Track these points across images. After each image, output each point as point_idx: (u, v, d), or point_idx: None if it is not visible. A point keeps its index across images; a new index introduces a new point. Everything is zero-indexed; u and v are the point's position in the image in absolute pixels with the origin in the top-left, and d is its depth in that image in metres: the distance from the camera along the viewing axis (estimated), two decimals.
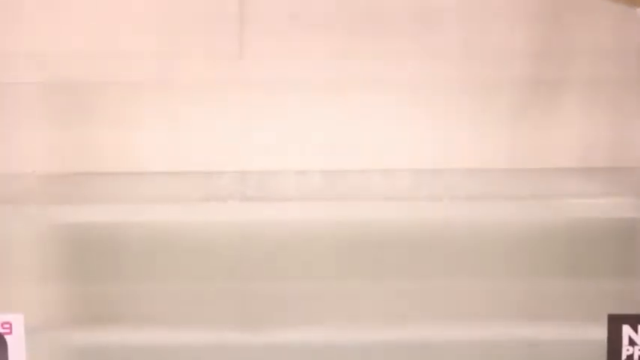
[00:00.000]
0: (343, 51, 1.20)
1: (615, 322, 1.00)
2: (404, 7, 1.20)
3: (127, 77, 1.17)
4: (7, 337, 1.03)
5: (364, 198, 1.10)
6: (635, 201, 1.06)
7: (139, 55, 1.19)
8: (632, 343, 1.00)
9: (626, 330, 1.00)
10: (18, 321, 1.03)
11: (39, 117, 1.19)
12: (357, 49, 1.19)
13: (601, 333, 1.01)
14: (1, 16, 1.21)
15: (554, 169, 1.14)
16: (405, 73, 1.22)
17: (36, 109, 1.19)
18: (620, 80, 1.10)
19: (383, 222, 1.13)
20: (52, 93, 1.18)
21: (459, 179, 1.15)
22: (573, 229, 1.12)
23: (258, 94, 1.14)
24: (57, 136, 1.19)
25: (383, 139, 1.18)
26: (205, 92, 1.15)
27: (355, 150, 1.17)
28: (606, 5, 1.20)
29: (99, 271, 1.18)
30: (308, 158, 1.17)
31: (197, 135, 1.18)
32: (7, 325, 1.03)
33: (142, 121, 1.19)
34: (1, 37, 1.21)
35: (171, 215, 1.10)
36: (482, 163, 1.18)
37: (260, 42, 1.22)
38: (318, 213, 1.09)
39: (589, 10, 1.21)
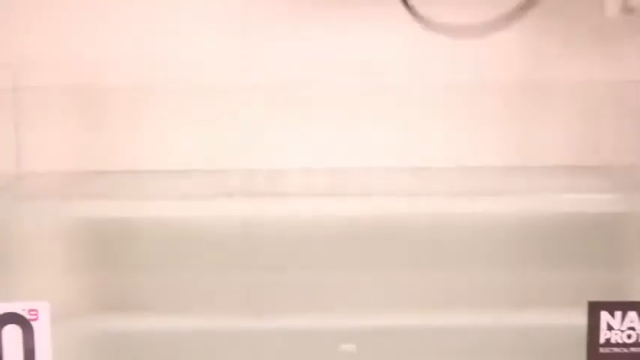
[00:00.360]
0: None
1: (594, 309, 1.02)
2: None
3: (141, 82, 1.19)
4: (34, 323, 1.04)
5: (363, 194, 1.11)
6: (615, 197, 1.08)
7: (151, 61, 1.20)
8: (609, 328, 1.02)
9: (605, 316, 1.02)
10: (44, 308, 1.04)
11: (63, 119, 1.20)
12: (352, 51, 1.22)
13: (582, 319, 1.02)
14: (27, 25, 1.23)
15: (541, 167, 1.15)
16: (403, 75, 1.22)
17: (60, 111, 1.20)
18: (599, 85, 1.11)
19: (381, 217, 1.14)
20: (73, 97, 1.20)
21: (453, 177, 1.16)
22: (558, 223, 1.13)
23: (264, 98, 1.15)
24: (79, 137, 1.21)
25: (381, 138, 1.18)
26: (214, 96, 1.16)
27: (355, 149, 1.18)
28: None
29: (117, 262, 1.20)
30: (310, 157, 1.18)
31: (206, 135, 1.20)
32: (34, 312, 1.04)
33: (155, 123, 1.21)
34: (27, 45, 1.22)
35: (182, 210, 1.13)
36: (475, 162, 1.18)
37: (264, 45, 1.23)
38: (318, 208, 1.12)
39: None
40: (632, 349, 1.03)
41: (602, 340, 1.03)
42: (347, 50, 1.24)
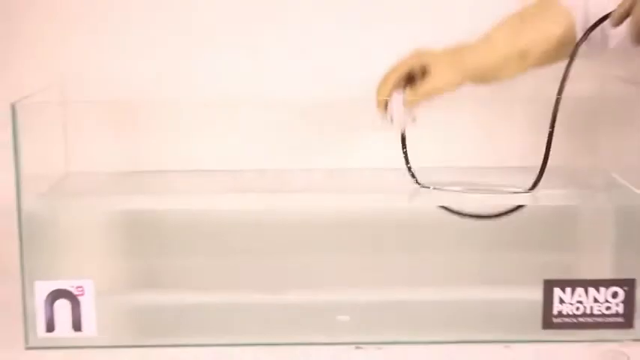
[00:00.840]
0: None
1: (549, 286, 1.10)
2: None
3: (168, 97, 1.26)
4: (80, 298, 1.11)
5: (357, 191, 1.18)
6: (567, 192, 1.15)
7: (177, 79, 1.29)
8: (561, 301, 1.10)
9: (557, 292, 1.10)
10: (89, 285, 1.11)
11: (104, 128, 1.27)
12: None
13: (538, 294, 1.10)
14: (73, 49, 1.31)
15: (506, 167, 1.22)
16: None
17: (102, 121, 1.27)
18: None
19: (372, 209, 1.18)
20: (112, 109, 1.27)
21: (431, 174, 1.19)
22: (520, 215, 1.16)
23: (273, 109, 1.21)
24: (117, 143, 1.28)
25: (371, 142, 1.25)
26: (229, 108, 1.20)
27: (350, 152, 1.25)
28: None
29: (149, 247, 1.23)
30: (312, 159, 1.24)
31: (223, 141, 1.26)
32: (81, 289, 1.11)
33: (181, 131, 1.26)
34: (74, 66, 1.30)
35: (203, 204, 1.19)
36: (449, 162, 1.24)
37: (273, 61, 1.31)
38: (319, 202, 1.17)
39: None
40: (580, 320, 1.10)
41: (555, 312, 1.11)
42: (346, 65, 1.30)
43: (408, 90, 1.10)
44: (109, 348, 1.10)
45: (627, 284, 1.10)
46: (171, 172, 1.27)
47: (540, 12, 1.14)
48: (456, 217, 1.14)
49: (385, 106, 1.10)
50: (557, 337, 1.11)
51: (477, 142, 1.26)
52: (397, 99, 1.09)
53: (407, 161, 1.16)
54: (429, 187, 1.15)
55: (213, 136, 1.25)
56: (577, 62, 1.16)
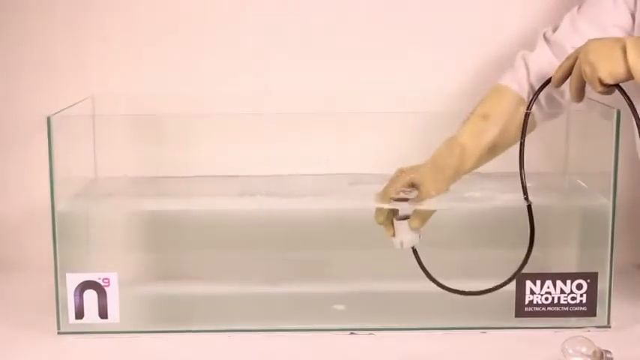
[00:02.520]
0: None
1: (521, 279, 1.11)
2: None
3: (187, 111, 1.26)
4: (107, 289, 1.11)
5: (352, 195, 1.19)
6: (538, 195, 1.12)
7: (194, 95, 1.30)
8: (532, 292, 1.11)
9: (528, 284, 1.11)
10: (113, 277, 1.11)
11: (131, 138, 1.27)
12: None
13: (512, 286, 1.11)
14: (103, 67, 1.34)
15: (486, 173, 1.18)
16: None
17: (128, 132, 1.27)
18: None
19: (361, 209, 1.16)
20: (138, 121, 1.27)
21: None
22: (496, 214, 1.17)
23: (279, 121, 1.21)
24: (141, 152, 1.28)
25: (365, 152, 1.25)
26: (241, 121, 1.20)
27: (347, 160, 1.24)
28: None
29: (169, 243, 1.23)
30: (313, 166, 1.21)
31: (236, 150, 1.26)
32: (107, 280, 1.11)
33: (199, 141, 1.27)
34: (104, 82, 1.33)
35: (217, 205, 1.19)
36: None
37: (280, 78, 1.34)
38: (320, 204, 1.18)
39: None
40: (549, 309, 1.11)
41: (526, 302, 1.11)
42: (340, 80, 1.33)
43: (411, 217, 1.08)
44: (131, 333, 1.11)
45: (590, 277, 1.11)
46: (187, 177, 1.27)
47: (497, 105, 1.14)
48: (441, 219, 1.13)
49: (391, 229, 1.09)
50: (528, 324, 1.11)
51: None
52: (400, 224, 1.08)
53: (423, 269, 1.11)
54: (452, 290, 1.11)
55: (224, 146, 1.26)
56: None
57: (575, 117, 1.23)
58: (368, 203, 1.10)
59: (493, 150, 1.13)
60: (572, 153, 1.26)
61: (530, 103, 1.12)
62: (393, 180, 1.10)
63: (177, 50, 1.33)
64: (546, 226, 1.13)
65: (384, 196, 1.09)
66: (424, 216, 1.09)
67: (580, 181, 1.21)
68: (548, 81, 1.11)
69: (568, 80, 1.08)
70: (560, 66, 1.08)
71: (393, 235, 1.09)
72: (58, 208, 1.09)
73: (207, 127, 1.24)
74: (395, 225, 1.09)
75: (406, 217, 1.09)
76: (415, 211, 1.09)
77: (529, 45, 1.19)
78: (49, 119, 1.08)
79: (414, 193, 1.10)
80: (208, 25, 1.34)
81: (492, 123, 1.12)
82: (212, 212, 1.19)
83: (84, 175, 1.25)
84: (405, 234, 1.09)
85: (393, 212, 1.10)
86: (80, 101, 1.23)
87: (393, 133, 1.25)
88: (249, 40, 1.33)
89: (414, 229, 1.09)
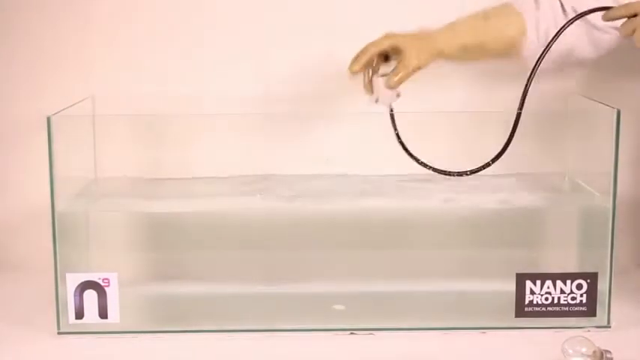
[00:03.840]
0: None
1: (521, 279, 1.11)
2: None
3: (187, 112, 1.26)
4: (106, 289, 1.11)
5: (353, 195, 1.19)
6: (535, 196, 1.16)
7: (194, 97, 1.29)
8: (532, 292, 1.11)
9: (528, 284, 1.11)
10: (113, 278, 1.11)
11: (130, 139, 1.27)
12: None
13: (512, 286, 1.11)
14: (103, 68, 1.33)
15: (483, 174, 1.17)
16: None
17: (128, 133, 1.27)
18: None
19: (366, 210, 1.18)
20: (138, 122, 1.27)
21: (421, 183, 1.21)
22: (495, 215, 1.16)
23: (278, 124, 1.23)
24: (141, 152, 1.28)
25: (366, 153, 1.25)
26: (240, 123, 1.22)
27: (344, 159, 1.25)
28: None
29: (168, 244, 1.23)
30: (313, 167, 1.23)
31: (236, 152, 1.26)
32: (107, 280, 1.11)
33: (198, 142, 1.27)
34: (104, 83, 1.32)
35: (216, 206, 1.19)
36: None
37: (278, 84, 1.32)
38: (320, 204, 1.18)
39: None
40: (549, 308, 1.11)
41: (526, 302, 1.11)
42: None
43: (390, 73, 1.09)
44: (131, 333, 1.11)
45: (590, 277, 1.11)
46: (187, 178, 1.27)
47: (502, 15, 1.16)
48: (441, 219, 1.14)
49: (369, 88, 1.10)
50: (528, 324, 1.11)
51: (454, 152, 1.25)
52: (379, 80, 1.09)
53: (399, 139, 1.13)
54: (427, 166, 1.13)
55: (224, 146, 1.26)
56: (546, 81, 1.19)
57: (575, 117, 1.23)
58: (369, 203, 1.10)
59: (482, 48, 1.14)
60: (572, 153, 1.26)
61: (553, 38, 1.09)
62: (378, 40, 1.10)
63: (177, 50, 1.33)
64: (546, 226, 1.14)
65: (365, 50, 1.09)
66: (403, 76, 1.08)
67: (580, 181, 1.21)
68: (598, 9, 1.09)
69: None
70: (626, 5, 1.06)
71: (371, 91, 1.09)
72: (58, 208, 1.09)
73: (207, 127, 1.24)
74: (373, 81, 1.09)
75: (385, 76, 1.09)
76: (395, 69, 1.08)
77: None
78: (49, 119, 1.08)
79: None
80: (208, 25, 1.34)
81: (492, 25, 1.15)
82: (212, 212, 1.19)
83: (84, 175, 1.25)
84: (382, 91, 1.09)
85: (373, 71, 1.10)
86: (80, 101, 1.22)
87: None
88: (249, 40, 1.33)
89: (392, 88, 1.08)
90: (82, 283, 1.11)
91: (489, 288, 1.16)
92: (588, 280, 1.10)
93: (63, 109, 1.13)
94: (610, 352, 0.98)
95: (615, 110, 1.07)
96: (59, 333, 1.11)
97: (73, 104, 1.19)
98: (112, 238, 1.21)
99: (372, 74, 1.10)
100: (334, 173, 1.23)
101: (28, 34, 1.34)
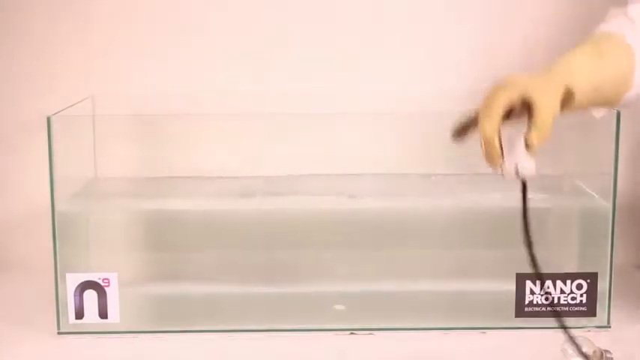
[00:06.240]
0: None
1: (521, 279, 1.11)
2: None
3: (187, 111, 1.26)
4: (107, 289, 1.11)
5: (350, 194, 1.19)
6: (537, 196, 1.10)
7: (194, 95, 1.29)
8: (532, 292, 1.11)
9: (528, 284, 1.11)
10: (113, 278, 1.11)
11: (130, 138, 1.27)
12: None
13: (511, 286, 1.11)
14: (103, 67, 1.33)
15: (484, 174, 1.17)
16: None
17: (128, 132, 1.27)
18: None
19: (362, 211, 1.18)
20: (137, 121, 1.27)
21: (414, 181, 1.23)
22: (496, 215, 1.15)
23: (277, 122, 1.21)
24: (141, 152, 1.27)
25: (362, 151, 1.25)
26: (241, 122, 1.22)
27: (343, 159, 1.24)
28: None
29: (168, 244, 1.22)
30: (310, 166, 1.23)
31: (235, 151, 1.26)
32: (107, 280, 1.11)
33: (198, 141, 1.27)
34: (103, 82, 1.32)
35: (216, 206, 1.19)
36: (439, 170, 1.25)
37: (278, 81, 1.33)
38: (317, 204, 1.18)
39: None
40: (549, 309, 1.10)
41: (526, 302, 1.11)
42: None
43: (528, 131, 0.82)
44: (131, 333, 1.11)
45: (590, 277, 1.11)
46: (187, 177, 1.27)
47: (615, 49, 0.94)
48: (437, 219, 1.12)
49: (498, 154, 0.82)
50: (528, 324, 1.11)
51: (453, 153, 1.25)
52: (514, 142, 0.81)
53: (525, 218, 0.88)
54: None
55: (224, 146, 1.26)
56: None
57: (575, 117, 1.19)
58: (367, 204, 1.10)
59: (596, 95, 0.89)
60: (572, 153, 1.25)
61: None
62: (502, 89, 0.81)
63: (177, 50, 1.33)
64: (547, 226, 1.13)
65: (492, 104, 0.79)
66: (544, 131, 0.81)
67: (580, 182, 1.21)
68: None
69: None
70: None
71: (500, 157, 0.80)
72: (58, 208, 1.09)
73: (207, 127, 1.24)
74: (506, 144, 0.80)
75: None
76: (532, 125, 0.80)
77: (530, 43, 1.18)
78: (49, 119, 1.08)
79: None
80: (208, 25, 1.34)
81: (607, 62, 0.90)
82: (212, 212, 1.19)
83: (84, 175, 1.25)
84: (522, 155, 0.80)
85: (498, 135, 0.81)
86: (80, 101, 1.22)
87: (392, 133, 1.25)
88: (249, 40, 1.33)
89: (534, 149, 0.80)
90: (82, 283, 1.10)
91: (489, 288, 1.15)
92: (588, 280, 1.10)
93: (63, 109, 1.13)
94: (610, 352, 0.98)
95: (615, 110, 1.06)
96: (59, 333, 1.11)
97: (73, 104, 1.18)
98: (112, 238, 1.20)
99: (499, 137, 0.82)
100: (334, 173, 1.23)
101: (28, 34, 1.34)
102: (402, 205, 1.18)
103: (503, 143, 0.81)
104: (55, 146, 1.08)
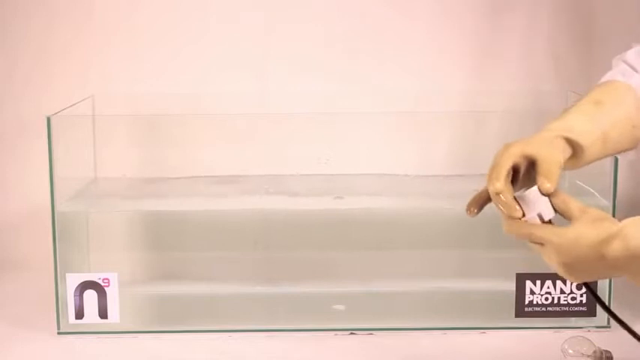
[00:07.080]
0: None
1: (521, 279, 1.11)
2: None
3: (187, 111, 1.27)
4: (106, 289, 1.11)
5: (347, 194, 1.19)
6: None
7: (195, 97, 1.29)
8: (532, 292, 1.11)
9: (528, 284, 1.11)
10: (113, 278, 1.11)
11: (130, 138, 1.27)
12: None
13: (512, 286, 1.11)
14: (103, 68, 1.33)
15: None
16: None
17: (127, 133, 1.27)
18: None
19: (360, 210, 1.18)
20: (137, 122, 1.27)
21: (416, 181, 1.22)
22: (496, 215, 1.10)
23: (276, 127, 1.23)
24: (140, 152, 1.28)
25: (363, 153, 1.25)
26: (241, 122, 1.22)
27: (341, 161, 1.23)
28: None
29: (168, 243, 1.23)
30: (308, 167, 1.23)
31: (235, 152, 1.25)
32: (107, 280, 1.11)
33: (198, 141, 1.26)
34: (104, 83, 1.32)
35: (216, 205, 1.19)
36: (433, 171, 1.25)
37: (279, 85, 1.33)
38: (315, 204, 1.18)
39: None
40: (549, 308, 1.11)
41: (526, 302, 1.11)
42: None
43: (538, 179, 0.84)
44: (131, 333, 1.11)
45: None
46: (187, 177, 1.27)
47: (611, 93, 0.93)
48: (438, 220, 1.13)
49: (514, 207, 0.84)
50: (528, 324, 1.11)
51: (456, 153, 1.26)
52: (531, 193, 0.83)
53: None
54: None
55: (224, 146, 1.25)
56: (546, 80, 1.17)
57: None
58: (369, 203, 1.09)
59: (605, 140, 0.90)
60: None
61: None
62: (506, 151, 0.84)
63: (177, 50, 1.33)
64: None
65: (498, 164, 0.83)
66: (551, 178, 0.83)
67: (580, 182, 1.20)
68: None
69: None
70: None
71: (518, 210, 0.83)
72: (58, 208, 1.09)
73: (207, 127, 1.24)
74: (522, 197, 0.84)
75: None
76: (541, 174, 0.83)
77: (528, 43, 1.18)
78: (49, 119, 1.08)
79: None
80: (208, 26, 1.34)
81: (606, 108, 0.90)
82: (212, 212, 1.19)
83: (84, 175, 1.25)
84: (539, 201, 0.83)
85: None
86: (80, 101, 1.23)
87: (392, 133, 1.25)
88: (249, 40, 1.34)
89: (548, 193, 0.83)
90: (82, 283, 1.11)
91: (489, 288, 1.16)
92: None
93: (63, 109, 1.13)
94: (610, 352, 0.98)
95: None
96: (59, 333, 1.11)
97: (73, 104, 1.19)
98: (112, 238, 1.21)
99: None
100: (334, 173, 1.23)
101: (28, 34, 1.34)
102: (403, 205, 1.18)
103: (519, 201, 0.85)
104: (55, 146, 1.08)
